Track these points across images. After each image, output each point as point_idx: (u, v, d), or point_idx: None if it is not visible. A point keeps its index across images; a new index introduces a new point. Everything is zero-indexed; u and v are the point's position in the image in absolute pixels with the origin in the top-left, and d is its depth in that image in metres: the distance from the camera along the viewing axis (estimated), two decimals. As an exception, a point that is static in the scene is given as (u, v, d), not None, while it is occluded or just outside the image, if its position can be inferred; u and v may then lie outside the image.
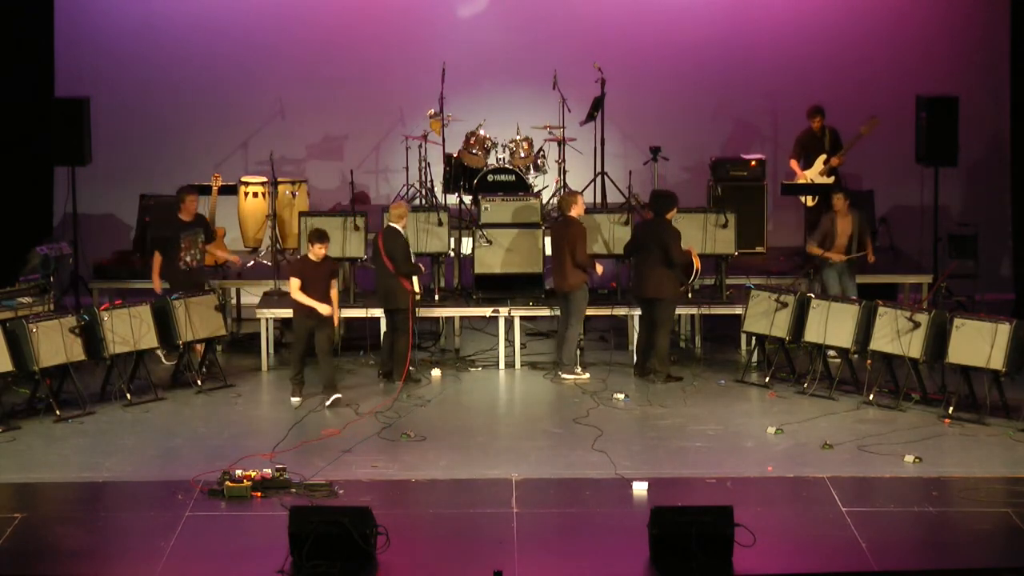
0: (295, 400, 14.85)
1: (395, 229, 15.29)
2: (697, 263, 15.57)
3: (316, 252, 14.79)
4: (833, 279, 16.09)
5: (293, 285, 14.80)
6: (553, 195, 17.88)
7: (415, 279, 15.40)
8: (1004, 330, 14.06)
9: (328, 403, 14.64)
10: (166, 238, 15.73)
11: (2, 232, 17.29)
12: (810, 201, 17.50)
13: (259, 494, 12.21)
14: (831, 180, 17.24)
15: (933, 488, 12.48)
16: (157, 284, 15.74)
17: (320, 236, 14.82)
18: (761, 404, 14.86)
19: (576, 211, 15.61)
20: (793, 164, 17.67)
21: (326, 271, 14.89)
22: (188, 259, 15.67)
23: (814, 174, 17.42)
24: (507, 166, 17.44)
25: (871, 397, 14.77)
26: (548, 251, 17.18)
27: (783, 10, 18.80)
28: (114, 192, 18.58)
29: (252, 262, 17.61)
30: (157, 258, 15.69)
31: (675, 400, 14.96)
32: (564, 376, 15.61)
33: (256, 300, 16.79)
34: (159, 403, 14.91)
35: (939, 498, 12.28)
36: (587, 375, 15.65)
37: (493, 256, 16.44)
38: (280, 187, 17.72)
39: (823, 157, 17.39)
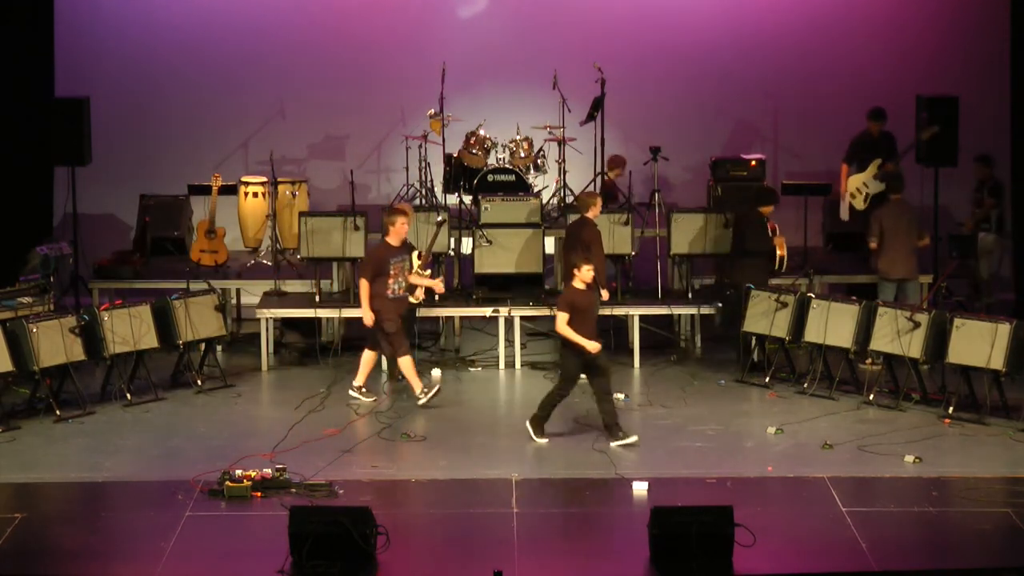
0: (542, 441, 13.65)
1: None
2: (781, 251, 15.80)
3: (585, 275, 13.50)
4: (889, 289, 16.14)
5: (561, 319, 13.44)
6: (553, 195, 17.89)
7: (416, 288, 15.36)
8: (1004, 330, 14.06)
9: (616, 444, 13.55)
10: (377, 265, 14.54)
11: (2, 232, 17.28)
12: (860, 205, 17.29)
13: (259, 494, 12.21)
14: (883, 186, 17.07)
15: (933, 488, 12.48)
16: (368, 315, 14.53)
17: (587, 258, 13.55)
18: (761, 404, 14.86)
19: (593, 212, 15.63)
20: (844, 168, 17.43)
21: (593, 299, 13.69)
22: (396, 287, 14.61)
23: (867, 178, 17.24)
24: (507, 166, 17.44)
25: (871, 397, 14.77)
26: (549, 251, 17.25)
27: (783, 10, 18.79)
28: (114, 192, 18.57)
29: (251, 262, 17.63)
30: (365, 285, 14.50)
31: (675, 400, 14.96)
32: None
33: (256, 300, 16.79)
34: (159, 403, 14.91)
35: (939, 498, 12.28)
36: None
37: (493, 256, 16.44)
38: (280, 187, 17.72)
39: (877, 161, 17.19)
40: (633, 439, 13.42)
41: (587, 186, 17.83)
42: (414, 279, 14.87)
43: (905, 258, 16.14)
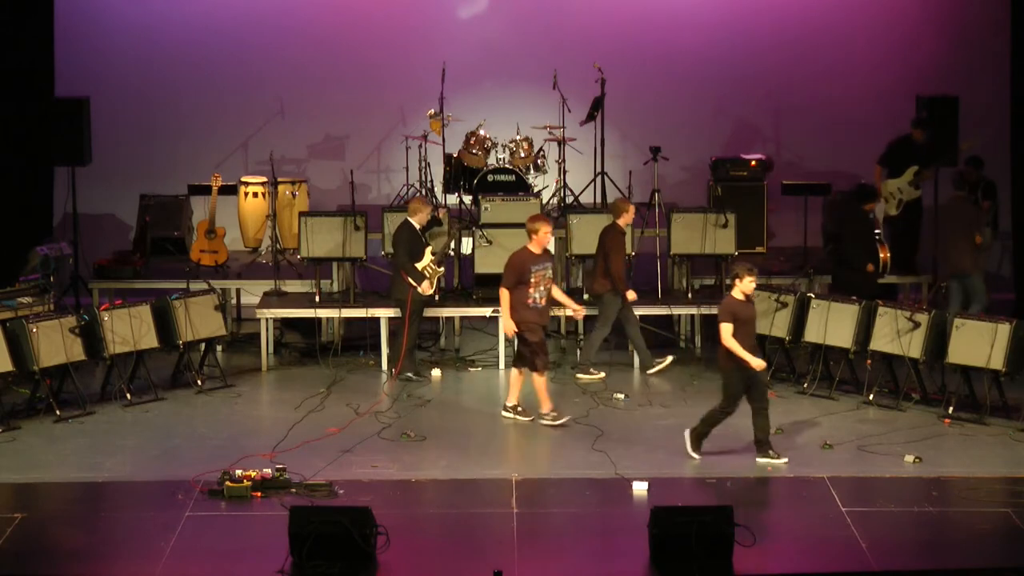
0: (696, 457, 13.16)
1: (406, 222, 15.48)
2: (884, 255, 16.04)
3: (747, 286, 13.10)
4: (956, 286, 16.16)
5: (726, 330, 12.93)
6: (553, 195, 17.89)
7: (424, 280, 15.40)
8: (1004, 330, 14.06)
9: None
10: (519, 272, 14.00)
11: (2, 232, 17.28)
12: (892, 210, 17.16)
13: (259, 494, 12.22)
14: (918, 193, 17.01)
15: (933, 488, 12.48)
16: (509, 324, 14.12)
17: (750, 268, 13.08)
18: (761, 404, 14.85)
19: (624, 220, 15.64)
20: (878, 170, 17.30)
21: (753, 311, 13.20)
22: (538, 296, 14.08)
23: (903, 183, 17.11)
24: (507, 166, 17.44)
25: (871, 397, 14.77)
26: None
27: (783, 10, 18.78)
28: (114, 192, 18.57)
29: (251, 262, 17.63)
30: (506, 294, 14.04)
31: (675, 400, 14.96)
32: (579, 376, 15.62)
33: (256, 300, 16.79)
34: (159, 403, 14.91)
35: (939, 498, 12.29)
36: (601, 374, 15.67)
37: (493, 256, 16.44)
38: (280, 187, 17.73)
39: (914, 168, 17.04)
40: (783, 460, 13.02)
41: (587, 185, 17.85)
42: (427, 273, 15.19)
43: (960, 255, 16.04)
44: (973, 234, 16.00)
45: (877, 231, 16.43)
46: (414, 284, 15.34)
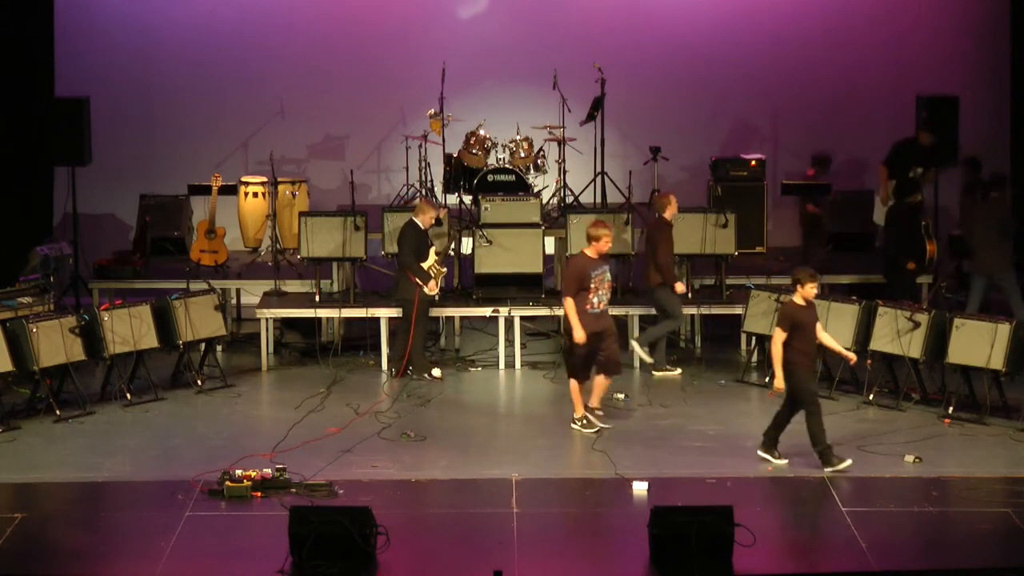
0: (782, 462, 13.00)
1: (411, 222, 15.51)
2: (930, 249, 16.13)
3: (807, 292, 12.91)
4: (978, 284, 16.13)
5: (777, 337, 12.77)
6: (553, 195, 17.89)
7: (430, 279, 15.42)
8: (1004, 330, 14.06)
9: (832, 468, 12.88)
10: (580, 278, 13.72)
11: (2, 232, 17.29)
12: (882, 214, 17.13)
13: (259, 494, 12.21)
14: (920, 196, 16.96)
15: (933, 488, 12.48)
16: (579, 331, 13.67)
17: (813, 274, 12.88)
18: (761, 404, 14.85)
19: (669, 212, 15.65)
20: (883, 171, 17.18)
21: (814, 316, 13.04)
22: (597, 301, 13.78)
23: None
24: (507, 166, 17.44)
25: (871, 397, 14.77)
26: (549, 251, 17.26)
27: (783, 10, 18.79)
28: (114, 192, 18.57)
29: (251, 262, 17.63)
30: (570, 303, 13.62)
31: (675, 400, 14.96)
32: (655, 373, 15.68)
33: (256, 300, 16.79)
34: (159, 403, 14.91)
35: (939, 498, 12.28)
36: (678, 371, 15.73)
37: (493, 256, 16.44)
38: (280, 187, 17.73)
39: (918, 171, 16.85)
40: (784, 461, 12.96)
41: (587, 185, 17.85)
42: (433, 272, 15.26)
43: (994, 254, 16.02)
44: (1007, 233, 16.00)
45: (925, 223, 16.45)
46: (421, 284, 15.35)
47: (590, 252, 13.85)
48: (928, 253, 16.30)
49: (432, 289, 15.42)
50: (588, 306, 13.74)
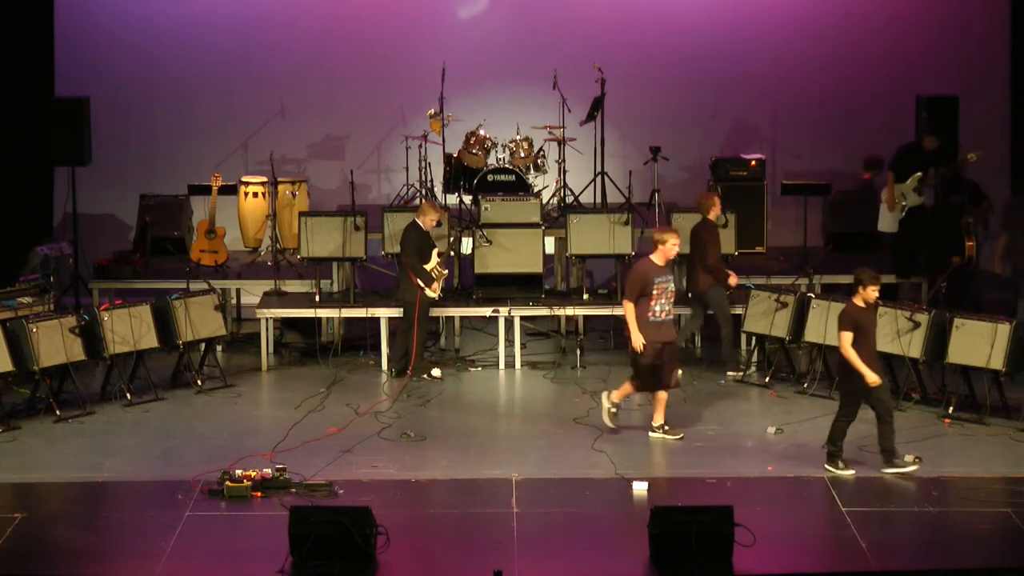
0: (849, 472, 12.79)
1: (414, 223, 15.52)
2: (969, 246, 16.22)
3: (868, 294, 12.74)
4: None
5: (845, 339, 12.63)
6: (553, 195, 17.89)
7: (433, 281, 15.43)
8: (1004, 330, 14.06)
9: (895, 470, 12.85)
10: (642, 284, 13.40)
11: (2, 232, 17.29)
12: (897, 215, 16.89)
13: (259, 494, 12.21)
14: (922, 200, 16.85)
15: (933, 488, 12.47)
16: (637, 338, 13.36)
17: (875, 276, 12.70)
18: (761, 404, 14.86)
19: (713, 214, 15.66)
20: (890, 177, 16.93)
21: (874, 319, 12.95)
22: (658, 309, 13.42)
23: (907, 190, 16.77)
24: (507, 166, 17.44)
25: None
26: (549, 251, 17.26)
27: (782, 10, 18.79)
28: (114, 192, 18.57)
29: (251, 262, 17.63)
30: (630, 307, 13.38)
31: (675, 400, 14.93)
32: (729, 373, 15.69)
33: (256, 300, 16.79)
34: (159, 403, 14.91)
35: (939, 498, 12.28)
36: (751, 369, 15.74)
37: (493, 256, 16.44)
38: (280, 187, 17.73)
39: (919, 175, 16.70)
40: (912, 468, 12.74)
41: (587, 185, 17.85)
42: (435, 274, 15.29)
43: None
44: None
45: (966, 221, 16.48)
46: (423, 286, 15.35)
47: (656, 258, 13.45)
48: (967, 250, 16.33)
49: (434, 291, 15.43)
50: (649, 314, 13.37)
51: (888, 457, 12.78)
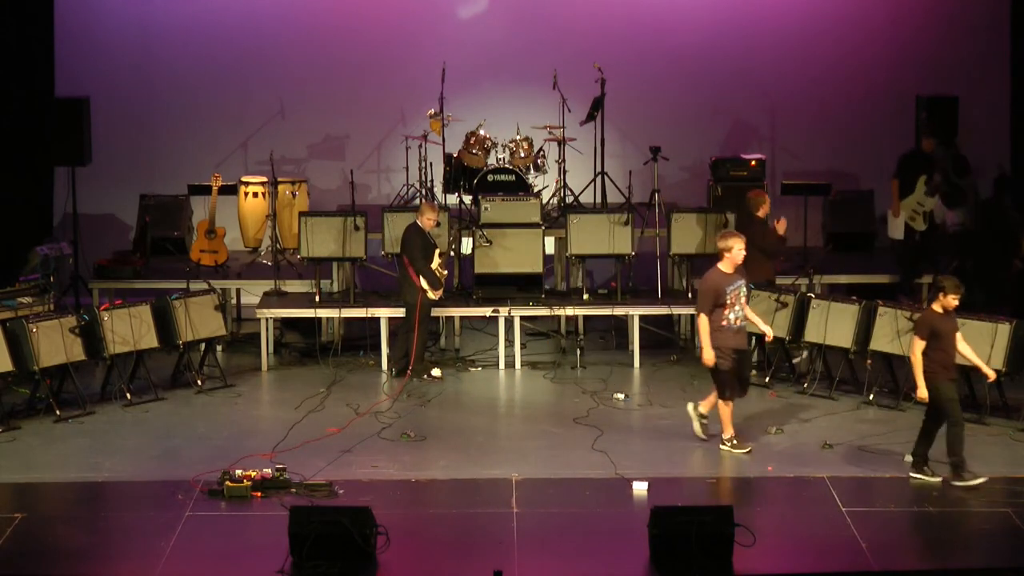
0: (980, 480, 12.52)
1: (415, 225, 15.52)
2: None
3: (948, 302, 12.57)
4: None
5: (917, 347, 12.53)
6: (553, 195, 17.89)
7: (439, 283, 15.44)
8: (1004, 330, 14.06)
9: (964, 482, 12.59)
10: (715, 295, 13.25)
11: (2, 232, 17.29)
12: (921, 225, 16.72)
13: (259, 494, 12.22)
14: (936, 200, 16.74)
15: (933, 488, 12.47)
16: (708, 353, 13.19)
17: (957, 286, 12.54)
18: (761, 404, 14.86)
19: (763, 211, 15.68)
20: (895, 185, 16.86)
21: (954, 326, 12.70)
22: (733, 317, 13.29)
23: (920, 196, 16.70)
24: (507, 166, 17.44)
25: (871, 397, 14.77)
26: (549, 251, 17.26)
27: (783, 10, 18.79)
28: (114, 192, 18.58)
29: (251, 262, 17.63)
30: (704, 320, 13.23)
31: (675, 400, 14.95)
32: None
33: (256, 300, 16.79)
34: (159, 403, 14.91)
35: (939, 498, 12.28)
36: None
37: (493, 256, 16.44)
38: (280, 187, 17.73)
39: (923, 178, 16.66)
40: (980, 480, 12.47)
41: (587, 185, 17.85)
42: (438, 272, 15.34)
43: None
44: None
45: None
46: (427, 287, 15.34)
47: (724, 267, 13.33)
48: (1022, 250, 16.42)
49: (436, 294, 15.44)
50: (724, 323, 13.24)
51: (957, 469, 12.55)
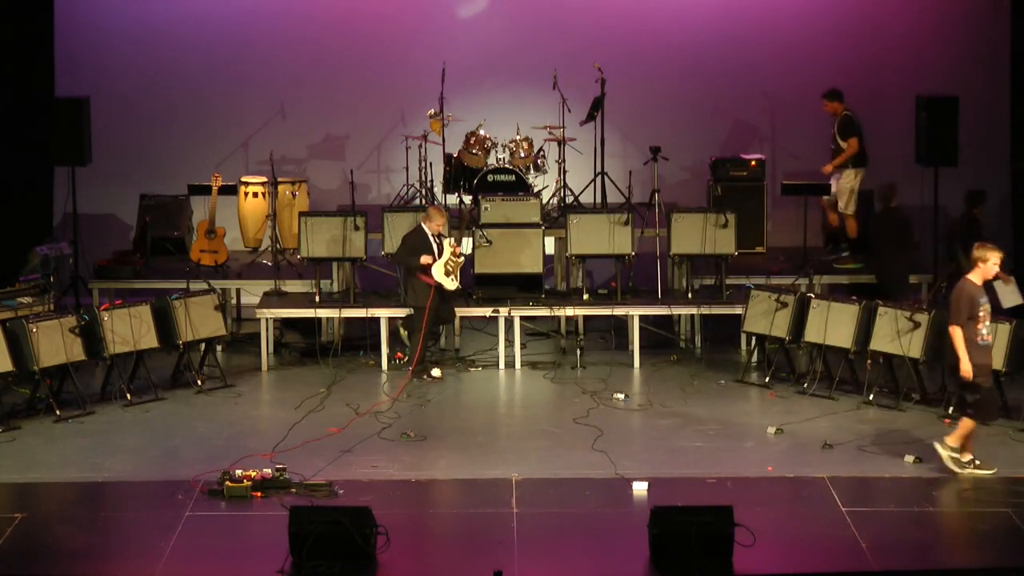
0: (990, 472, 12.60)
1: (418, 227, 15.55)
2: None
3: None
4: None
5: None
6: (553, 195, 17.89)
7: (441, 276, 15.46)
8: (1004, 330, 14.06)
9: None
10: (970, 307, 12.69)
11: (2, 232, 17.29)
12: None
13: (259, 494, 12.21)
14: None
15: (933, 488, 12.47)
16: (966, 364, 12.59)
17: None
18: (761, 404, 14.86)
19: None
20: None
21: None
22: (985, 332, 12.77)
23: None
24: (507, 166, 17.44)
25: (871, 397, 14.77)
26: (549, 251, 17.26)
27: (783, 10, 18.79)
28: (114, 192, 18.58)
29: (251, 262, 17.64)
30: (958, 332, 12.64)
31: (675, 400, 14.96)
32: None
33: (256, 300, 16.79)
34: (159, 403, 14.91)
35: (939, 498, 12.28)
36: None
37: (493, 256, 16.44)
38: (280, 187, 17.73)
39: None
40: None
41: (587, 185, 17.85)
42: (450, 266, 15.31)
43: None
44: None
45: None
46: (440, 279, 15.32)
47: (975, 278, 12.74)
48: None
49: (453, 283, 15.42)
50: (978, 338, 12.70)
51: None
